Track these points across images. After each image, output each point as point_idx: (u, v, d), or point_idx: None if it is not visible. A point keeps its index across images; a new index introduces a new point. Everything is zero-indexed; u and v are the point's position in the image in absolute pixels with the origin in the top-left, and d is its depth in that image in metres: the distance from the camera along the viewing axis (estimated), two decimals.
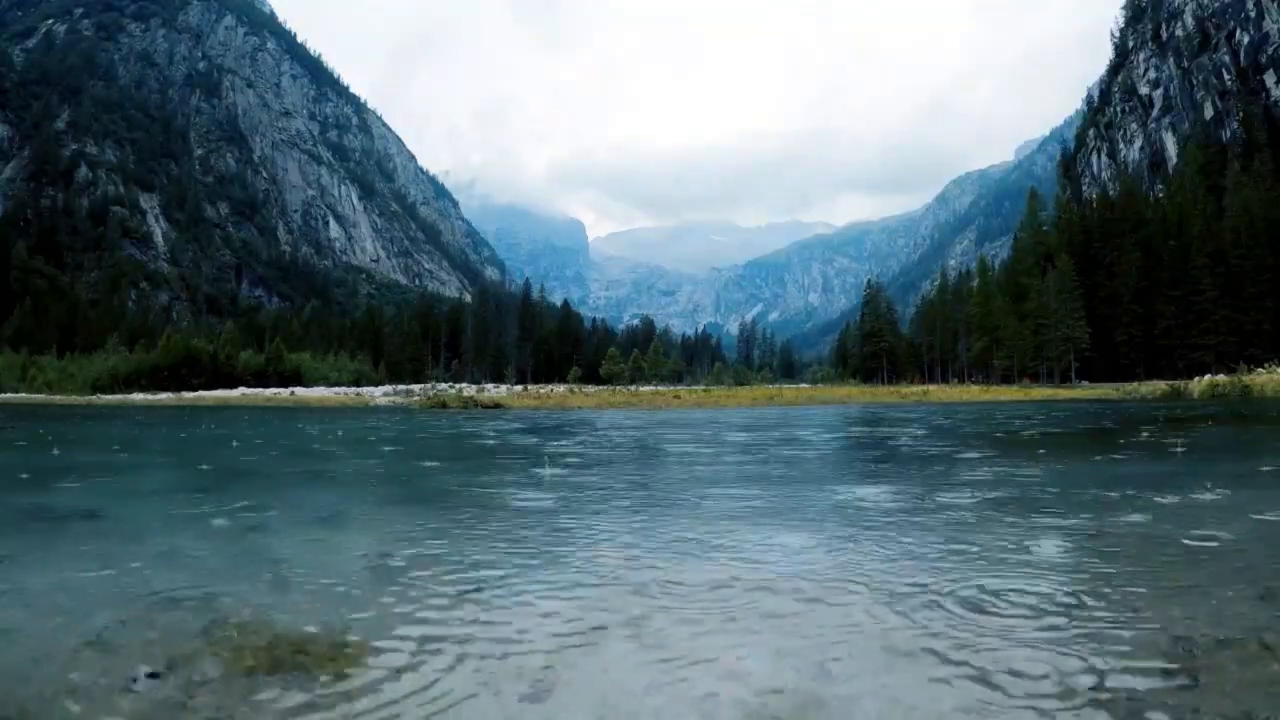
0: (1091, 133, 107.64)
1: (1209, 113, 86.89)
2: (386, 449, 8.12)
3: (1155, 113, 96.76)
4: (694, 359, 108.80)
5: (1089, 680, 1.29)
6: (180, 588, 1.99)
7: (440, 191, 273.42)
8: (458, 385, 41.33)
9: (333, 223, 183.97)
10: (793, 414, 16.13)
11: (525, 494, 3.92)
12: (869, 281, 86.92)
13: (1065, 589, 1.91)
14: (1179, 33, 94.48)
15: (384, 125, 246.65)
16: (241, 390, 40.46)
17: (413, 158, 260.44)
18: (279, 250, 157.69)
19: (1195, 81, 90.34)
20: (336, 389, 43.33)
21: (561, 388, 41.12)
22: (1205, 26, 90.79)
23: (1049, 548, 2.42)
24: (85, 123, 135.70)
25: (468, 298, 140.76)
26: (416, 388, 38.49)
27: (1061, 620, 1.63)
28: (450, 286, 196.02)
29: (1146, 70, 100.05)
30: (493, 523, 3.03)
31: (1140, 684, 1.28)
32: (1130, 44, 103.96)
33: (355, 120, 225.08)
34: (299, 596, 1.91)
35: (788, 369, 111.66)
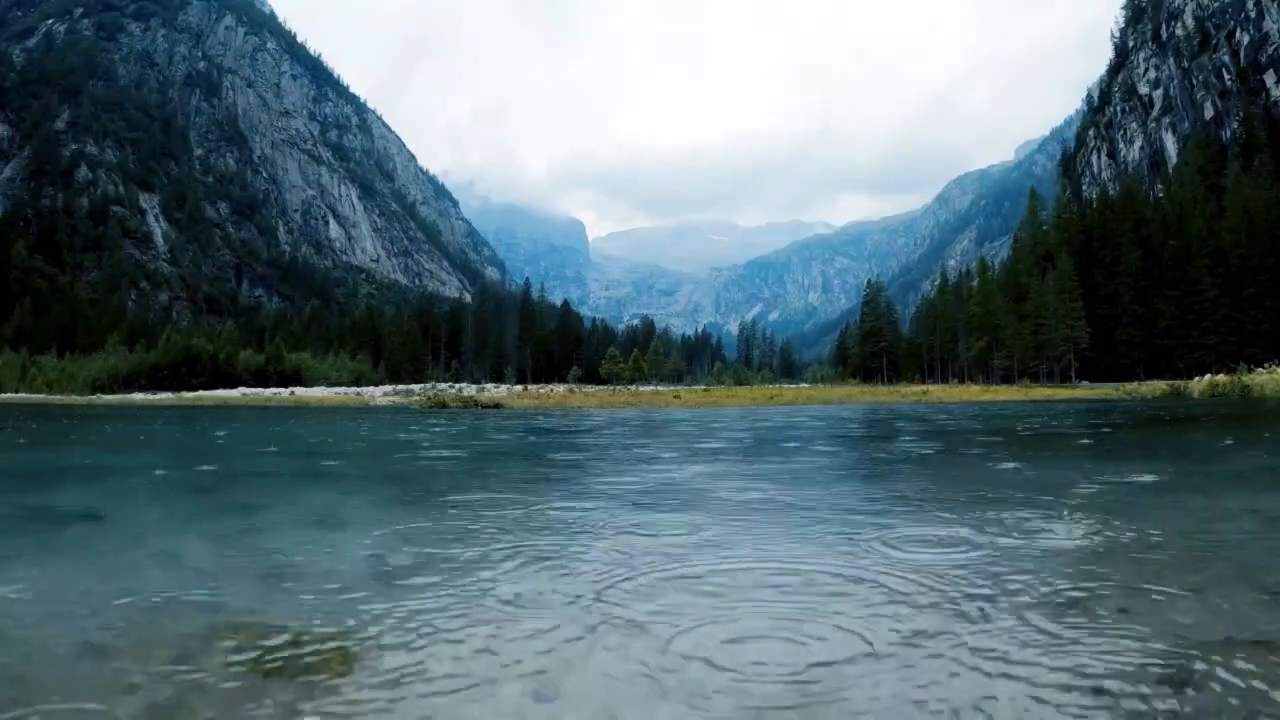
0: (1091, 132, 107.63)
1: (1209, 113, 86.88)
2: (386, 449, 8.12)
3: (1155, 113, 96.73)
4: (694, 359, 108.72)
5: (1089, 680, 1.28)
6: (180, 588, 1.98)
7: (440, 191, 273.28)
8: (458, 385, 41.34)
9: (333, 223, 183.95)
10: (800, 413, 16.14)
11: (525, 493, 3.92)
12: (869, 281, 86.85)
13: (1065, 588, 1.90)
14: (1179, 33, 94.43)
15: (384, 125, 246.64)
16: (241, 390, 40.52)
17: (413, 157, 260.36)
18: (279, 250, 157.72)
19: (1195, 81, 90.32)
20: (336, 389, 43.38)
21: (561, 388, 41.10)
22: (1205, 26, 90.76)
23: (1046, 548, 2.42)
24: (85, 123, 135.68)
25: (468, 298, 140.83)
26: (416, 388, 38.49)
27: (1061, 618, 1.62)
28: (450, 286, 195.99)
29: (1146, 70, 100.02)
30: (492, 522, 3.02)
31: (1140, 684, 1.26)
32: (1130, 44, 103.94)
33: (355, 120, 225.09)
34: (299, 597, 1.91)
35: (787, 369, 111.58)
